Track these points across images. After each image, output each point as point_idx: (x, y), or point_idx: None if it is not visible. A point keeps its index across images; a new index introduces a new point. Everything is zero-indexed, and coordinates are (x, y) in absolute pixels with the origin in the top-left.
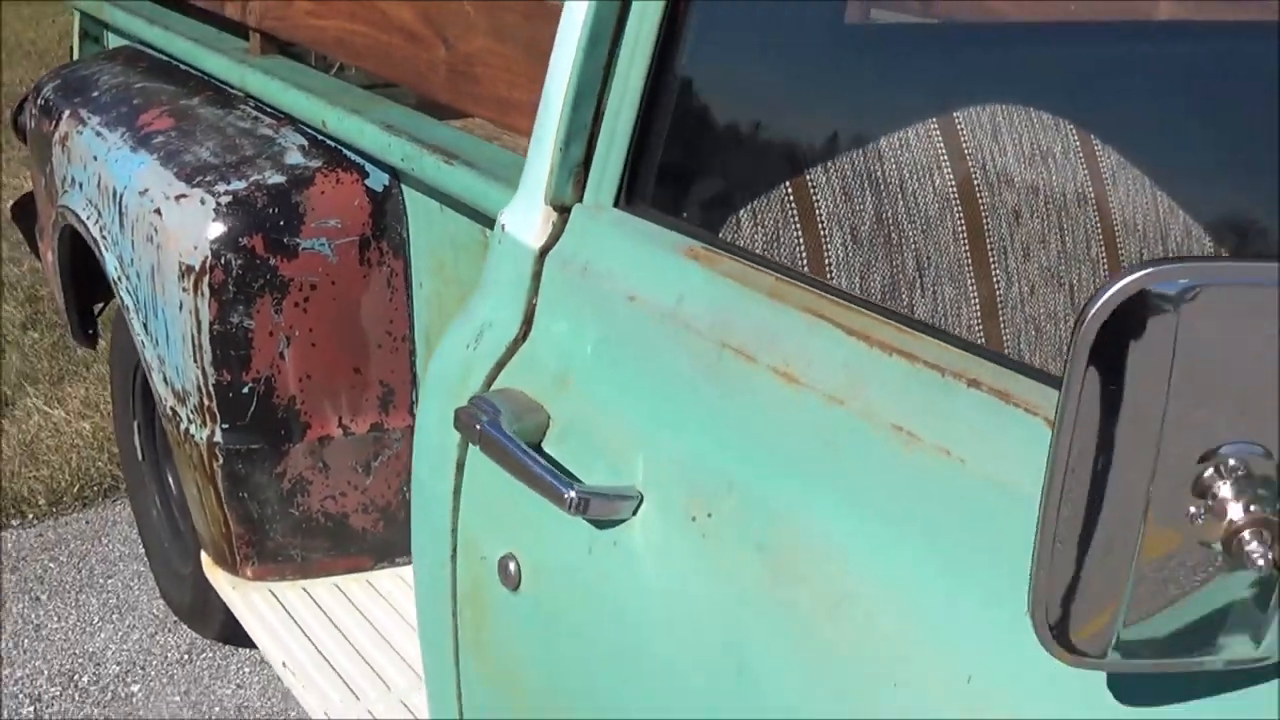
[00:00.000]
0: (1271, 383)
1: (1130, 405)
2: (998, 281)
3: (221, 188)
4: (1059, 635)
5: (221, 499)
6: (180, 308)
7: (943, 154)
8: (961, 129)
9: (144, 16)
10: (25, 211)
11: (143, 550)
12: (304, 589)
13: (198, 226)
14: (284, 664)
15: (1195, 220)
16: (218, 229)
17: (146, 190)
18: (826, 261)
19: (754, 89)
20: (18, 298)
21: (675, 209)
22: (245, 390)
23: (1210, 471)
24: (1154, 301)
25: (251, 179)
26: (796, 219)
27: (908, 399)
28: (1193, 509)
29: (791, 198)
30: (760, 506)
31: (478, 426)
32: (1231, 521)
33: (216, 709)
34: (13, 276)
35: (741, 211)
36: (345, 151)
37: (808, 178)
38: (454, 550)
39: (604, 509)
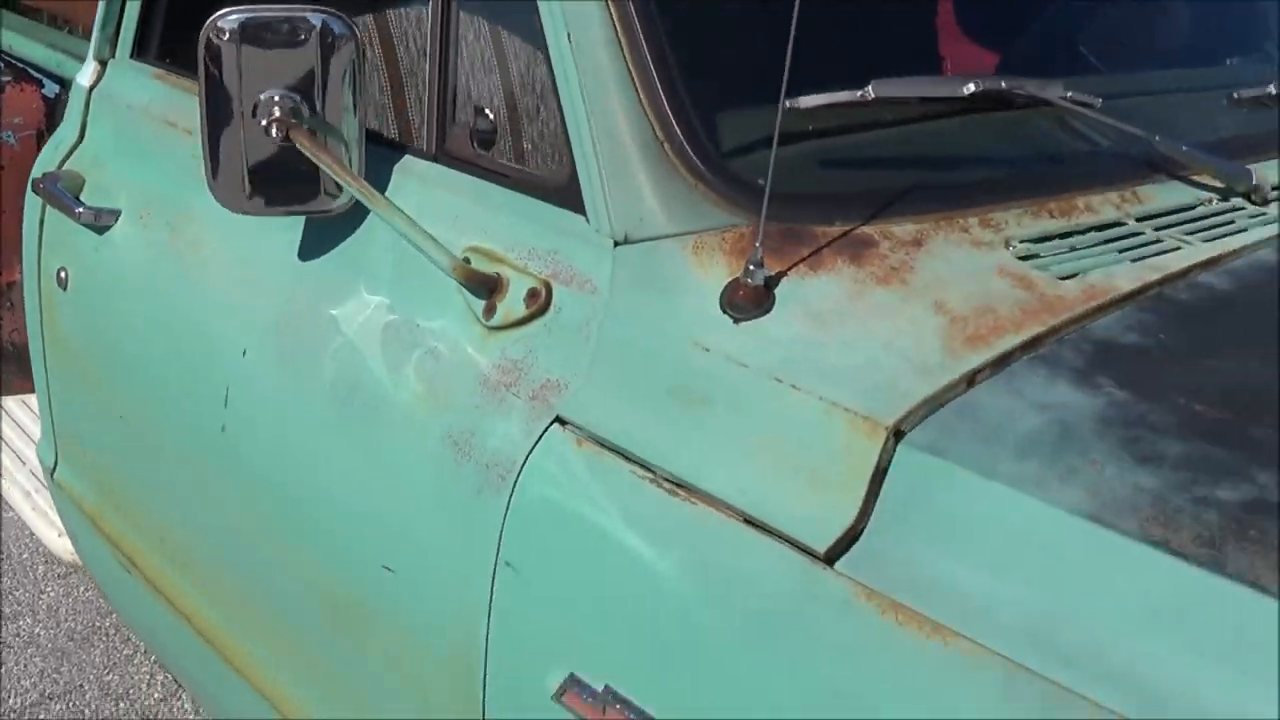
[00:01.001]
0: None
1: (229, 76)
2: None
3: None
4: (225, 197)
5: None
6: None
7: None
8: None
9: None
10: None
11: None
12: None
13: None
14: None
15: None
16: None
17: None
18: None
19: None
20: None
21: (163, 60)
22: None
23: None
24: (229, 29)
25: None
26: None
27: None
28: (264, 122)
29: None
30: (171, 203)
31: (43, 186)
32: (272, 119)
33: None
34: None
35: None
36: (29, 70)
37: None
38: (39, 274)
39: (103, 219)
